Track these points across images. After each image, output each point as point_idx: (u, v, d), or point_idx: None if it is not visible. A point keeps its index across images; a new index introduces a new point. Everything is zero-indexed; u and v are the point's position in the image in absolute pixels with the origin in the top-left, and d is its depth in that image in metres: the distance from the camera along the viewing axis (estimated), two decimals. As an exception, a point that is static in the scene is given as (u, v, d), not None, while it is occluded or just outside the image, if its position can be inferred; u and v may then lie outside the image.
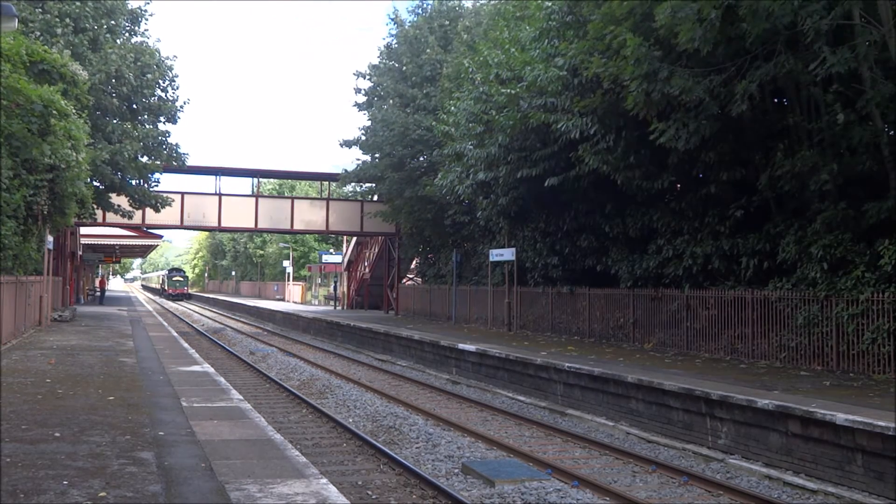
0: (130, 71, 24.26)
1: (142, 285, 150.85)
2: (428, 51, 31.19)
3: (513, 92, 19.42)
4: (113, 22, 25.30)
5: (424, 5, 33.43)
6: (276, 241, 71.43)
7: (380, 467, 9.75)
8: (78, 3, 23.54)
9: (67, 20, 22.96)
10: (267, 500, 5.22)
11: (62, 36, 22.07)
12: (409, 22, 33.25)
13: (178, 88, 27.42)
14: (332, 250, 56.57)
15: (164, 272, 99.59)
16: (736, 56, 13.79)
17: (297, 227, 36.57)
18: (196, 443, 7.05)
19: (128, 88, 24.49)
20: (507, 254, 23.96)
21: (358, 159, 36.25)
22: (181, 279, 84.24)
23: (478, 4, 32.19)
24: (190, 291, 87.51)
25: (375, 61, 34.08)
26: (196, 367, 13.56)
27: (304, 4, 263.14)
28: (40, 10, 22.59)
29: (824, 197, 14.19)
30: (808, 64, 12.58)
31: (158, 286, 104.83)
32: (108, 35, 24.93)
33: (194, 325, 38.03)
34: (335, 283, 47.87)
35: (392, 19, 33.76)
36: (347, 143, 33.24)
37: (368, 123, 32.55)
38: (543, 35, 19.30)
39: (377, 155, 31.25)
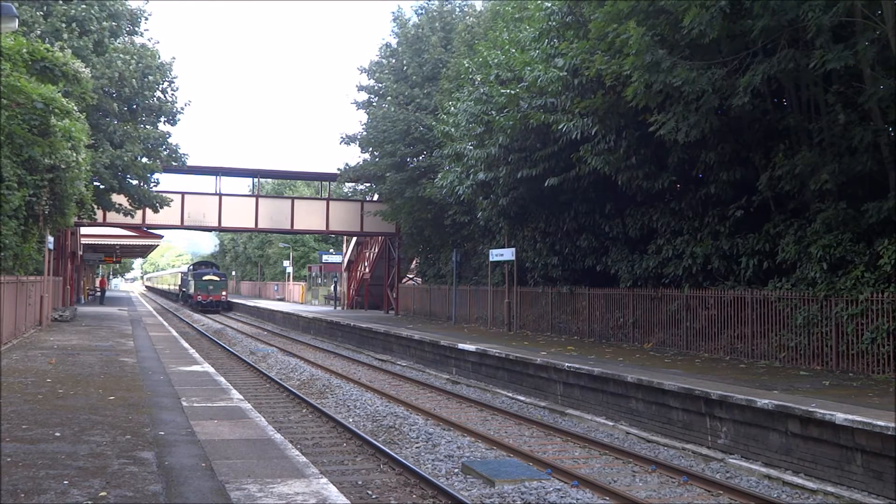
0: (133, 75, 24.32)
1: (146, 286, 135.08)
2: (430, 50, 31.21)
3: (513, 92, 19.42)
4: (115, 23, 25.36)
5: (428, 5, 33.47)
6: (277, 241, 71.14)
7: (380, 467, 9.76)
8: (84, 6, 23.61)
9: (74, 25, 23.04)
10: (267, 499, 5.23)
11: (68, 41, 22.12)
12: (413, 22, 33.28)
13: (177, 90, 27.54)
14: (332, 250, 56.58)
15: (187, 268, 67.24)
16: (738, 51, 13.81)
17: (297, 227, 36.58)
18: (196, 442, 7.07)
19: (129, 90, 24.55)
20: (507, 254, 23.97)
21: (359, 157, 36.27)
22: (217, 280, 54.01)
23: (480, 6, 32.24)
24: (233, 299, 58.60)
25: (376, 59, 34.14)
26: (196, 367, 13.58)
27: (304, 4, 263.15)
28: (41, 12, 22.63)
29: (824, 197, 14.20)
30: (810, 60, 12.58)
31: (175, 288, 76.71)
32: (111, 38, 24.99)
33: (194, 325, 38.04)
34: (335, 283, 47.84)
35: (395, 18, 33.80)
36: (347, 140, 33.23)
37: (368, 121, 32.55)
38: (543, 35, 19.31)
39: (377, 153, 31.27)
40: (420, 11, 33.67)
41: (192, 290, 53.96)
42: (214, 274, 54.63)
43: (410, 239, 33.67)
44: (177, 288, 73.23)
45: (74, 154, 16.88)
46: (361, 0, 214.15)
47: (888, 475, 8.49)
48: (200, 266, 58.47)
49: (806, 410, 9.45)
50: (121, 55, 24.24)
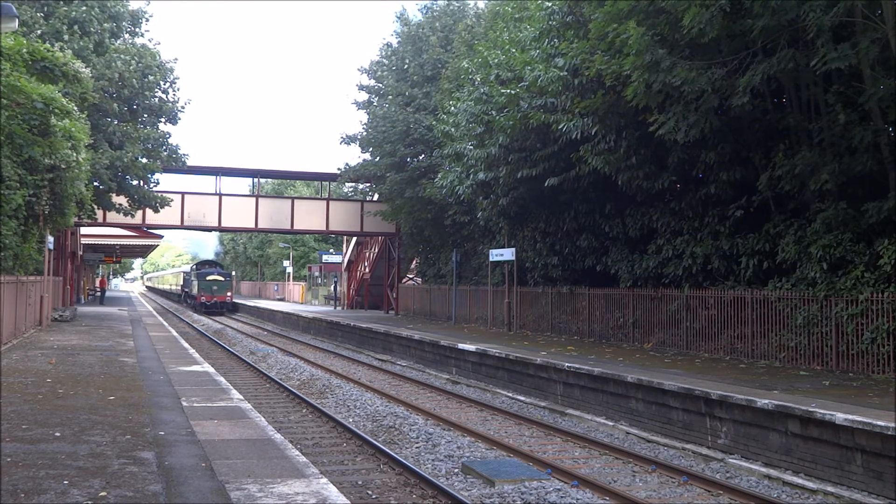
0: (133, 76, 24.33)
1: (146, 286, 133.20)
2: (429, 50, 31.23)
3: (513, 92, 19.43)
4: (115, 25, 25.39)
5: (433, 5, 33.48)
6: (277, 241, 71.04)
7: (380, 467, 9.76)
8: (84, 8, 23.63)
9: (75, 27, 23.05)
10: (267, 499, 5.23)
11: (69, 42, 22.13)
12: (415, 21, 33.31)
13: (178, 90, 27.59)
14: (332, 250, 56.58)
15: (189, 268, 63.03)
16: (738, 51, 13.82)
17: (297, 227, 36.59)
18: (196, 442, 7.07)
19: (129, 91, 24.56)
20: (507, 254, 23.97)
21: (359, 157, 36.26)
22: (222, 280, 51.02)
23: (482, 5, 32.25)
24: (235, 300, 54.61)
25: (377, 59, 34.15)
26: (196, 367, 13.59)
27: (304, 4, 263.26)
28: (42, 14, 22.64)
29: (824, 197, 14.20)
30: (810, 60, 12.57)
31: (176, 289, 73.22)
32: (112, 39, 25.00)
33: (194, 325, 38.04)
34: (335, 283, 47.82)
35: (399, 17, 33.79)
36: (348, 140, 33.24)
37: (369, 121, 32.57)
38: (543, 35, 19.32)
39: (377, 153, 31.28)
40: (425, 10, 33.68)
41: (195, 291, 51.11)
42: (219, 273, 51.46)
43: (410, 239, 33.69)
44: (178, 288, 69.84)
45: (74, 154, 16.88)
46: (362, 0, 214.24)
47: (888, 475, 8.49)
48: (204, 265, 55.25)
49: (806, 410, 9.45)
50: (121, 56, 24.27)
